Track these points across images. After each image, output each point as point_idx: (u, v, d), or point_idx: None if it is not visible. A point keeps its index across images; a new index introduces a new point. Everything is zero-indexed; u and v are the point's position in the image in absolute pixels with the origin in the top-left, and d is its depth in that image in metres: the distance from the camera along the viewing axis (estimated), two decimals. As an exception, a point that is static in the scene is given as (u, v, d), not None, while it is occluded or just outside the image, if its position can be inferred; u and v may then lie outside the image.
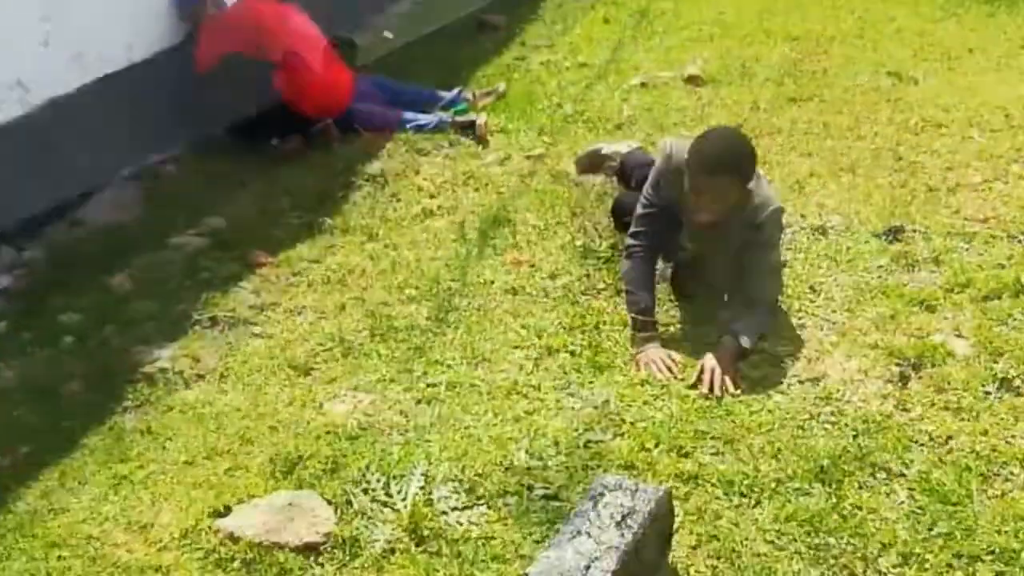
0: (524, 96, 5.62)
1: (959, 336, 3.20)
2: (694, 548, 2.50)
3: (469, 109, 5.45)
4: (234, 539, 2.59)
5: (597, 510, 2.35)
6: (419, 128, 5.27)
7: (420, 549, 2.56)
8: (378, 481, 2.77)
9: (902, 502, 2.60)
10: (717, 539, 2.52)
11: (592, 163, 4.45)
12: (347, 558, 2.56)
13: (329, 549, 2.58)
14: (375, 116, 5.32)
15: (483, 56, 6.31)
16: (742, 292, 3.28)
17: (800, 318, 3.39)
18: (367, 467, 2.82)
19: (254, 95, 5.12)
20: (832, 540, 2.49)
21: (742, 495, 2.65)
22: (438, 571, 2.49)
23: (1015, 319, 3.24)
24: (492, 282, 3.83)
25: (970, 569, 2.38)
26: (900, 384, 3.03)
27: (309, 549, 2.56)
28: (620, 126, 5.08)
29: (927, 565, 2.40)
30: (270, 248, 4.24)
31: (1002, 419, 2.84)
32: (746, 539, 2.51)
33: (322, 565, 2.53)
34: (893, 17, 6.31)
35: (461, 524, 2.62)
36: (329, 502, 2.71)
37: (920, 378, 3.05)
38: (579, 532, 2.29)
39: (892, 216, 3.91)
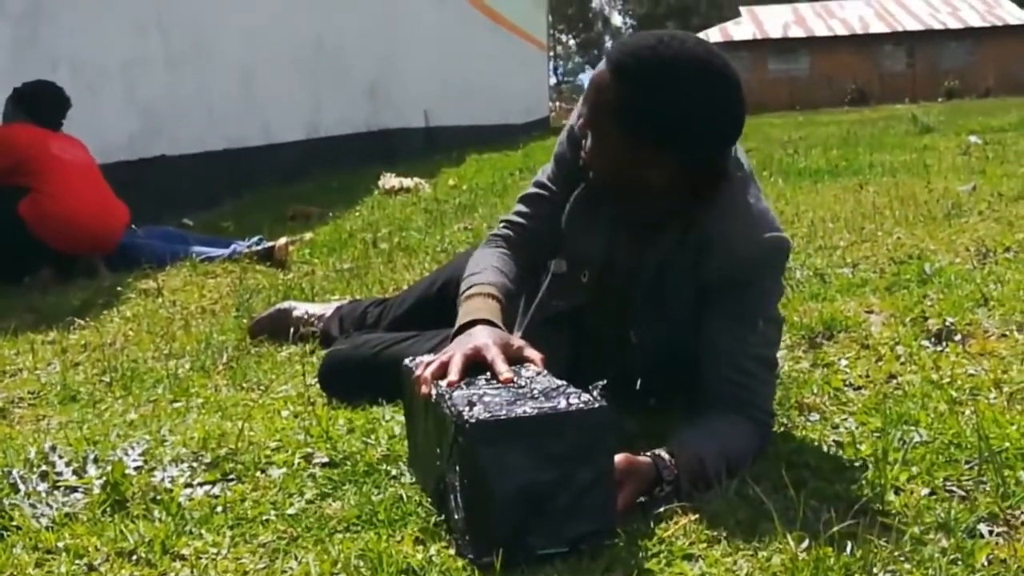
0: (334, 236, 4.98)
1: (870, 312, 2.55)
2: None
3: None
4: None
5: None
6: (210, 259, 4.50)
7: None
8: (66, 463, 1.75)
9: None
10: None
11: (276, 325, 2.95)
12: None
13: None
14: (159, 248, 4.54)
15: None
16: (708, 397, 1.71)
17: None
18: (50, 448, 1.80)
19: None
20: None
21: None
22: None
23: (930, 297, 2.63)
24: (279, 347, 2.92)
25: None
26: (812, 349, 2.31)
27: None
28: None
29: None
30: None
31: (952, 362, 2.14)
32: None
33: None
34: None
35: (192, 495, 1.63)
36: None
37: (836, 342, 2.34)
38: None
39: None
